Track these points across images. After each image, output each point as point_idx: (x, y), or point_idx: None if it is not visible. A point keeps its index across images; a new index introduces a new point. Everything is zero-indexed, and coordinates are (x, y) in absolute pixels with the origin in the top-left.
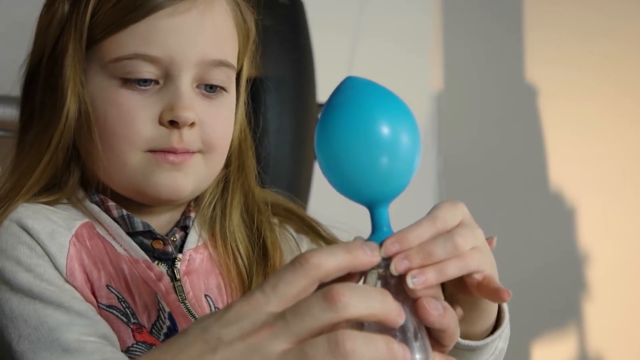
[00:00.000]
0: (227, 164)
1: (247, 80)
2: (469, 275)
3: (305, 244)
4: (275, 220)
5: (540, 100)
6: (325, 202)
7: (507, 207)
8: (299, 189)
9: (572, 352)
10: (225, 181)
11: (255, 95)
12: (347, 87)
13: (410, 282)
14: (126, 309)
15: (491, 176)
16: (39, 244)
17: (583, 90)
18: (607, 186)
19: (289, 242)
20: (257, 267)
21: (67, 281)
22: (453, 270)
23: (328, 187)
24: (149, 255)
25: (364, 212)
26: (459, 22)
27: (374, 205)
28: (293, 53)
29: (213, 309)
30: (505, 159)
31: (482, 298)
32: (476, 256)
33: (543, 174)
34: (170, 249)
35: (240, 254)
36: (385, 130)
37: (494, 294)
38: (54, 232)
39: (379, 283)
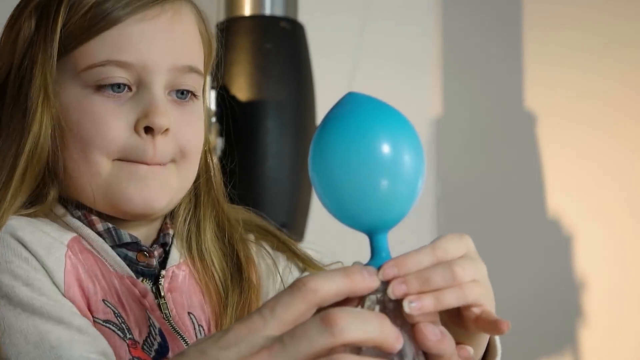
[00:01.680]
0: (195, 179)
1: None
2: (467, 307)
3: (282, 261)
4: (251, 237)
5: (538, 127)
6: (323, 227)
7: (505, 232)
8: (298, 213)
9: None
10: (195, 197)
11: (255, 119)
12: (347, 102)
13: (407, 307)
14: (122, 324)
15: (489, 202)
16: (35, 257)
17: (582, 117)
18: (605, 214)
19: (267, 260)
20: (233, 282)
21: (64, 296)
22: (451, 300)
23: (326, 212)
24: (132, 271)
25: (363, 239)
26: (459, 48)
27: (372, 233)
28: (293, 76)
29: (196, 326)
30: (504, 184)
31: (479, 332)
32: (475, 289)
33: (541, 200)
34: (154, 262)
35: (216, 269)
36: (386, 149)
37: (492, 325)
38: (50, 245)
39: (377, 308)
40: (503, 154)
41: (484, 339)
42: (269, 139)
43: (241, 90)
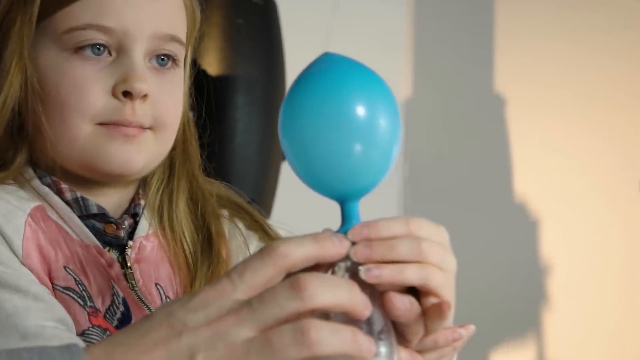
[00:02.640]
0: (172, 149)
1: (190, 70)
2: (425, 294)
3: (253, 240)
4: (225, 213)
5: (507, 111)
6: (291, 203)
7: (471, 215)
8: (266, 189)
9: None
10: (170, 167)
11: (224, 94)
12: (322, 61)
13: (363, 273)
14: (83, 292)
15: (456, 184)
16: None
17: (550, 103)
18: (570, 199)
19: (238, 238)
20: (203, 255)
21: (22, 263)
22: (411, 275)
23: (295, 188)
24: (99, 240)
25: (331, 217)
26: (430, 31)
27: (344, 200)
28: (264, 53)
29: (163, 297)
30: (471, 167)
31: (427, 322)
32: (439, 275)
33: (507, 184)
34: (122, 233)
35: (186, 240)
36: (361, 111)
37: (436, 309)
38: (8, 213)
39: (346, 275)
40: (471, 137)
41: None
42: (238, 115)
43: (211, 65)
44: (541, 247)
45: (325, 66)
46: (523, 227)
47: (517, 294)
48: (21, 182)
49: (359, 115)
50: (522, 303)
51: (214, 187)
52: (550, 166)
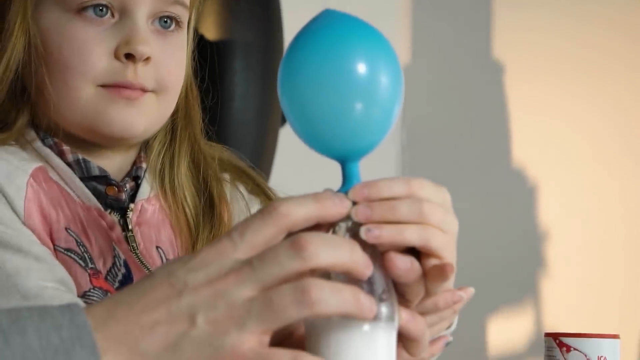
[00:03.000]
0: (174, 113)
1: (194, 34)
2: (426, 256)
3: (255, 205)
4: (226, 177)
5: (505, 78)
6: (289, 170)
7: (469, 182)
8: (264, 155)
9: (528, 327)
10: (172, 131)
11: (222, 59)
12: (322, 18)
13: (363, 233)
14: (84, 253)
15: (454, 151)
16: None
17: (548, 69)
18: (568, 165)
19: (239, 202)
20: (204, 218)
21: (24, 224)
22: (412, 236)
23: (292, 154)
24: (100, 203)
25: (330, 183)
26: None
27: (345, 160)
28: (262, 17)
29: (164, 260)
30: (469, 134)
31: (427, 284)
32: (439, 236)
33: (506, 151)
34: (123, 196)
35: (188, 204)
36: (362, 68)
37: (439, 270)
38: (10, 173)
39: (347, 235)
40: (470, 103)
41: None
42: (236, 80)
43: (208, 30)
44: (539, 213)
45: (326, 22)
46: (521, 193)
47: (515, 259)
48: (23, 144)
49: (360, 73)
50: (520, 269)
51: (216, 151)
52: (549, 132)
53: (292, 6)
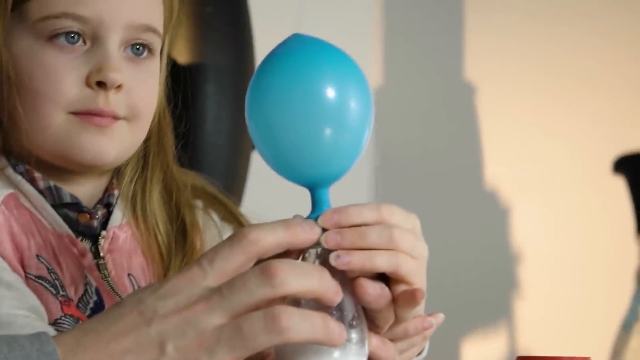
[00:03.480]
0: (146, 139)
1: (167, 60)
2: (396, 282)
3: (228, 232)
4: (199, 204)
5: (477, 98)
6: (261, 193)
7: (442, 203)
8: (236, 178)
9: (501, 349)
10: (144, 157)
11: (194, 83)
12: (290, 41)
13: (333, 260)
14: (55, 281)
15: (427, 172)
16: None
17: (520, 90)
18: (541, 186)
19: (212, 229)
20: (176, 246)
21: None
22: (381, 262)
23: (265, 178)
24: (72, 230)
25: (302, 205)
26: (399, 18)
27: (314, 187)
28: (234, 41)
29: (136, 288)
30: (442, 155)
31: (397, 310)
32: (410, 262)
33: (478, 171)
34: (95, 223)
35: (160, 231)
36: (331, 93)
37: (409, 295)
38: None
39: (317, 262)
40: (442, 124)
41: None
42: (208, 104)
43: (180, 54)
44: (512, 234)
45: (294, 46)
46: (494, 214)
47: (488, 281)
48: None
49: (329, 97)
50: (494, 290)
51: (189, 178)
52: (521, 153)
53: (264, 30)
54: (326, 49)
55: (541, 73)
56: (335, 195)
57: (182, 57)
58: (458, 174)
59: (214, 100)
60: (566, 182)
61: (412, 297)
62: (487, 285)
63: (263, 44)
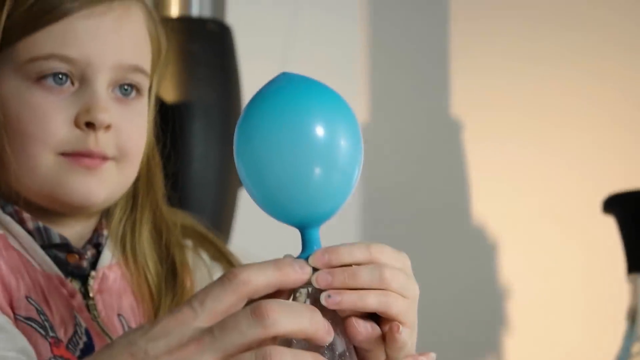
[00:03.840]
0: (135, 180)
1: (156, 101)
2: (386, 321)
3: (218, 272)
4: (189, 243)
5: (464, 136)
6: (249, 231)
7: (430, 240)
8: (223, 217)
9: None
10: (134, 197)
11: (180, 121)
12: (278, 80)
13: (323, 299)
14: (45, 322)
15: (415, 209)
16: None
17: (506, 126)
18: (528, 223)
19: (202, 269)
20: (167, 286)
21: None
22: (372, 302)
23: (253, 216)
24: (61, 270)
25: (292, 242)
26: (386, 56)
27: (304, 227)
28: (220, 80)
29: (126, 328)
30: (430, 192)
31: (386, 349)
32: (400, 302)
33: (466, 208)
34: (85, 263)
35: (149, 271)
36: (321, 131)
37: (389, 331)
38: None
39: (308, 301)
40: (429, 161)
41: None
42: (195, 141)
43: (167, 92)
44: (500, 271)
45: (282, 84)
46: (482, 250)
47: (477, 318)
48: None
49: (319, 136)
50: (482, 328)
51: (178, 217)
52: (508, 190)
53: (251, 67)
54: (315, 87)
55: (528, 111)
56: (324, 232)
57: (169, 95)
58: (445, 211)
59: (201, 137)
60: (553, 219)
61: (390, 332)
62: (475, 323)
63: (249, 81)
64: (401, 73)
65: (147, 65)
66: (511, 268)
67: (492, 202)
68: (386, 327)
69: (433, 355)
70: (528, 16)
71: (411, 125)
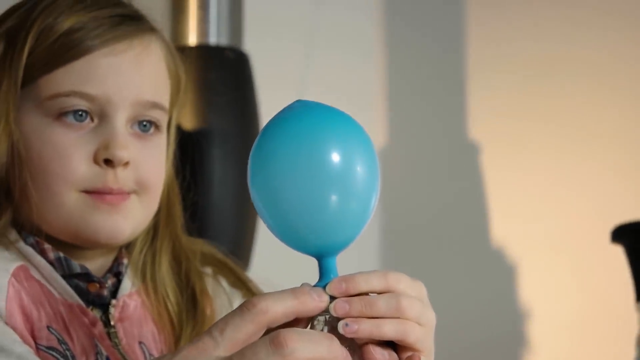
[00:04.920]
0: (156, 212)
1: (176, 132)
2: (404, 349)
3: (237, 299)
4: (209, 271)
5: (483, 157)
6: (269, 258)
7: (451, 263)
8: (243, 243)
9: None
10: (154, 229)
11: (199, 148)
12: (294, 107)
13: (341, 328)
14: (66, 351)
15: (435, 232)
16: None
17: (525, 147)
18: (548, 243)
19: (222, 296)
20: (187, 314)
21: (6, 323)
22: (389, 330)
23: (273, 243)
24: (82, 299)
25: (312, 267)
26: (403, 80)
27: (321, 256)
28: (238, 106)
29: (147, 356)
30: (449, 215)
31: None
32: (417, 330)
33: (486, 230)
34: (105, 292)
35: (170, 300)
36: (337, 158)
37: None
38: None
39: (325, 329)
40: (448, 184)
41: None
42: (214, 168)
43: (185, 120)
44: (521, 292)
45: (298, 111)
46: (502, 271)
47: (497, 340)
48: (5, 244)
49: (335, 162)
50: (503, 349)
51: (197, 245)
52: (527, 212)
53: (268, 94)
54: (330, 113)
55: (545, 132)
56: (344, 257)
57: (188, 122)
58: (465, 233)
59: (220, 164)
60: (573, 240)
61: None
62: (497, 344)
63: (267, 108)
64: (418, 98)
65: (165, 101)
66: (532, 290)
67: (511, 224)
68: (404, 355)
69: None
70: (545, 35)
71: (429, 149)
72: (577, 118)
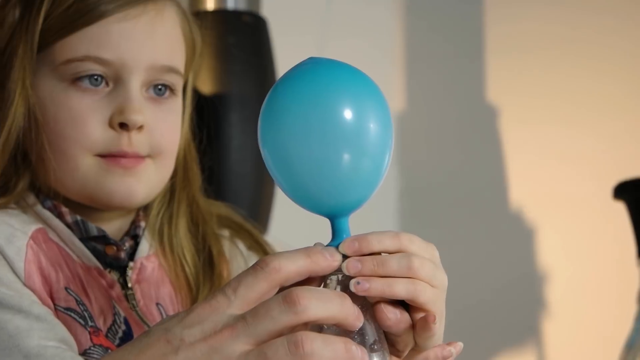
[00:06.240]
0: (173, 175)
1: (193, 96)
2: (415, 309)
3: (254, 262)
4: (226, 233)
5: (500, 121)
6: (287, 220)
7: (468, 226)
8: (261, 207)
9: None
10: (171, 192)
11: (217, 113)
12: (305, 63)
13: (352, 286)
14: (84, 312)
15: (452, 196)
16: None
17: (543, 111)
18: (566, 206)
19: (238, 258)
20: (204, 276)
21: (24, 285)
22: (401, 289)
23: (291, 206)
24: (100, 262)
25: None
26: (421, 44)
27: (334, 217)
28: (256, 71)
29: (164, 317)
30: (466, 179)
31: (415, 337)
32: (429, 291)
33: (503, 194)
34: (122, 255)
35: (187, 262)
36: (349, 115)
37: (423, 321)
38: (10, 236)
39: (338, 288)
40: (466, 148)
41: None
42: (233, 133)
43: (204, 84)
44: (538, 255)
45: (309, 67)
46: (520, 235)
47: (516, 303)
48: (23, 207)
49: (348, 120)
50: (521, 312)
51: (215, 208)
52: (545, 174)
53: (286, 59)
54: (343, 70)
55: (564, 94)
56: (360, 221)
57: (206, 87)
58: (483, 197)
59: (238, 129)
60: (591, 202)
61: (425, 321)
62: (514, 307)
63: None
64: (436, 60)
65: (180, 65)
66: (549, 253)
67: (529, 187)
68: (416, 316)
69: (460, 344)
70: (563, 1)
71: (447, 112)
72: (596, 80)
